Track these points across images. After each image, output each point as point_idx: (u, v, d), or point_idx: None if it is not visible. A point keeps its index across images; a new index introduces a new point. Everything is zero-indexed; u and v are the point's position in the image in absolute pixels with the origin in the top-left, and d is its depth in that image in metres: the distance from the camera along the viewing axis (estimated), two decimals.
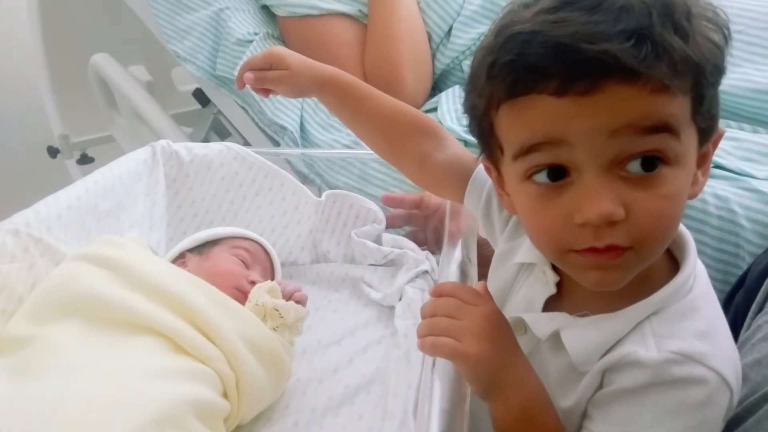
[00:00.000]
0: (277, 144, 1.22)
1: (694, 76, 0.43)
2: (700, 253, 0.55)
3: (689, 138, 0.45)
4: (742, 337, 0.62)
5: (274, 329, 0.69)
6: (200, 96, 1.45)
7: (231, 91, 1.27)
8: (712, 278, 0.54)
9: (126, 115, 1.50)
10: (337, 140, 1.13)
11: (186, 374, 0.60)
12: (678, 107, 0.43)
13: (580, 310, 0.51)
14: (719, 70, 0.45)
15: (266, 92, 0.79)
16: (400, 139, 0.71)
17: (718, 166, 0.84)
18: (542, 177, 0.45)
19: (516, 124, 0.46)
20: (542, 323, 0.52)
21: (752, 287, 0.65)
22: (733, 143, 0.89)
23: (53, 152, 1.75)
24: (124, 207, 0.84)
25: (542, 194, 0.46)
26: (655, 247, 0.46)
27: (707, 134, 0.47)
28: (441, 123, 1.07)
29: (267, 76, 0.76)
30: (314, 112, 1.19)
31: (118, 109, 1.54)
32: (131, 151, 1.59)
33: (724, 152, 0.87)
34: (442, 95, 1.14)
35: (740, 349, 0.57)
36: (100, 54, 1.50)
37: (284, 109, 1.18)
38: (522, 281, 0.59)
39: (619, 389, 0.48)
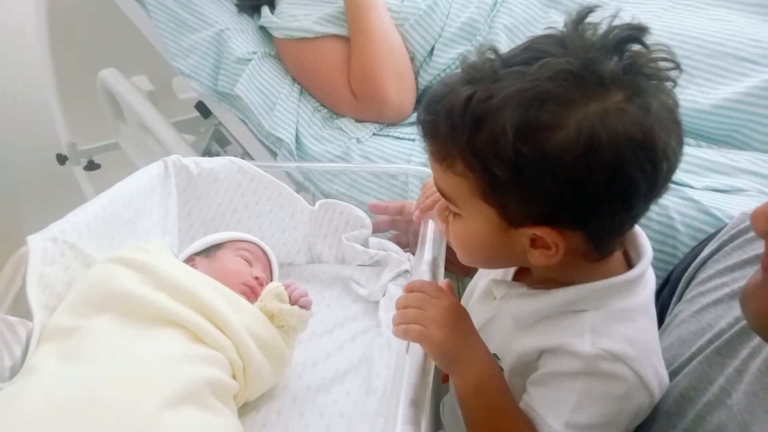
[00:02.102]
0: (274, 153, 1.28)
1: (472, 166, 0.53)
2: None
3: (476, 212, 0.56)
4: (664, 325, 0.71)
5: (280, 327, 0.76)
6: (202, 108, 1.50)
7: (231, 105, 1.33)
8: None
9: (132, 125, 1.56)
10: (329, 151, 1.20)
11: (203, 359, 0.68)
12: (458, 185, 0.55)
13: (534, 284, 0.62)
14: (515, 174, 0.50)
15: None
16: None
17: None
18: None
19: None
20: (501, 288, 0.65)
21: (675, 281, 0.74)
22: None
23: (62, 159, 1.79)
24: (141, 215, 0.91)
25: None
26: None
27: (519, 223, 0.54)
28: None
29: None
30: (308, 125, 1.25)
31: (125, 120, 1.59)
32: (136, 158, 1.66)
33: None
34: None
35: (661, 335, 0.65)
36: (107, 69, 1.55)
37: (281, 122, 1.24)
38: None
39: (554, 372, 0.57)
